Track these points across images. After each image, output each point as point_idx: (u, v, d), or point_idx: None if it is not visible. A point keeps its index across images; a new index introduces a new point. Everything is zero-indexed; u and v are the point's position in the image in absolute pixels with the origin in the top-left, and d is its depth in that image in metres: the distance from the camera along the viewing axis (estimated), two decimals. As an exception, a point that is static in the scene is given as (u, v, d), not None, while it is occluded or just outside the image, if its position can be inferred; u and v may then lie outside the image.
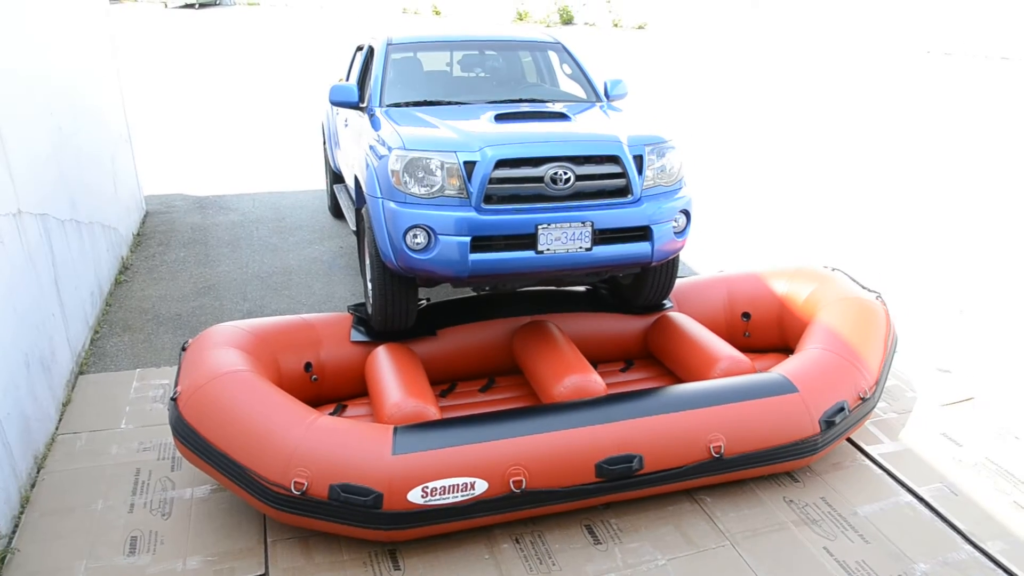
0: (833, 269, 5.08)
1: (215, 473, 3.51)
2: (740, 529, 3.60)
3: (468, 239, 3.91)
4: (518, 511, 3.49)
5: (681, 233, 4.34)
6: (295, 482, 3.28)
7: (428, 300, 4.91)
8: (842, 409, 3.85)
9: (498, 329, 4.67)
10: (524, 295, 5.02)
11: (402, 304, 4.39)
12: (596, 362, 4.81)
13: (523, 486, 3.39)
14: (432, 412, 3.77)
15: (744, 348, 4.99)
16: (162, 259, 7.14)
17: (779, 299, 4.96)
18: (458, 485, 3.32)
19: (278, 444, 3.36)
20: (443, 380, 4.63)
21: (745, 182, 9.87)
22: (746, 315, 5.00)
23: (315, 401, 4.37)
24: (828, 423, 3.81)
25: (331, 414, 4.22)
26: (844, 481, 3.92)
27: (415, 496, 3.28)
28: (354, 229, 5.59)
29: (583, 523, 3.65)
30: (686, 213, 4.33)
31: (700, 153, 11.36)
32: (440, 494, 3.31)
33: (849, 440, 4.26)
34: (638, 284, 4.81)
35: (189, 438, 3.54)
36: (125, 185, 7.55)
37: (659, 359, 4.80)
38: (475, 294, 4.96)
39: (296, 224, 8.17)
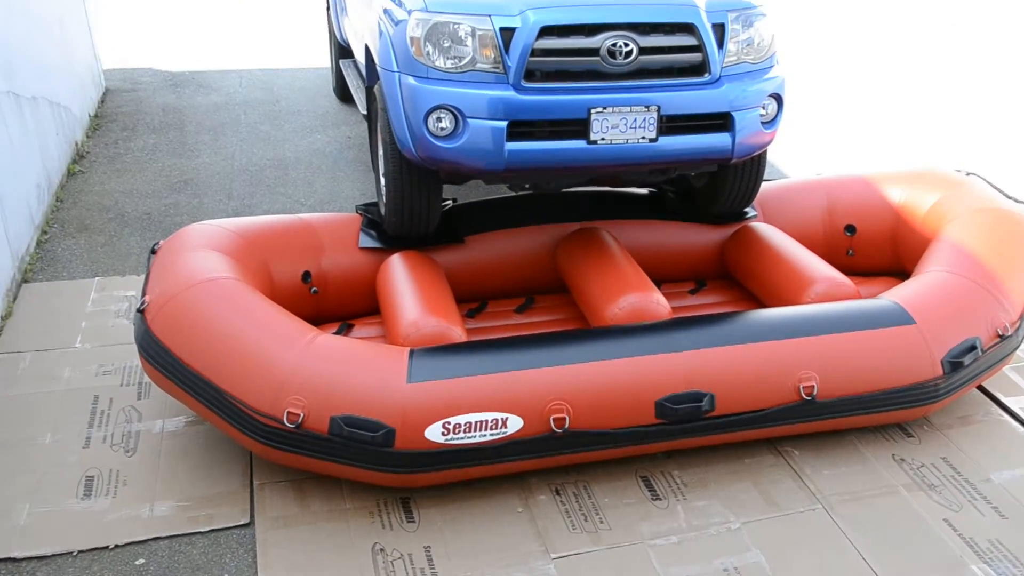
0: (968, 173, 4.99)
1: (191, 401, 3.55)
2: (836, 491, 3.60)
3: (504, 124, 3.87)
4: (559, 456, 3.52)
5: (771, 123, 4.29)
6: (288, 413, 3.31)
7: (454, 200, 4.95)
8: (973, 348, 3.80)
9: (539, 237, 4.70)
10: (572, 196, 5.01)
11: (422, 204, 4.41)
12: (659, 281, 4.81)
13: (566, 425, 3.42)
14: (457, 333, 3.80)
15: (847, 269, 4.96)
16: (127, 147, 7.16)
17: (894, 209, 4.91)
18: (486, 421, 3.35)
19: (269, 366, 3.39)
20: (471, 298, 4.69)
21: (852, 63, 9.69)
22: (850, 228, 4.95)
23: (315, 318, 4.43)
24: (954, 364, 3.76)
25: (334, 333, 4.24)
26: (974, 439, 3.88)
27: (434, 433, 3.32)
28: (364, 113, 5.57)
29: (639, 474, 3.70)
30: (777, 98, 4.27)
31: (796, 24, 11.11)
32: (464, 431, 3.34)
33: (981, 388, 4.23)
34: (714, 186, 4.79)
35: (159, 358, 3.58)
36: (78, 55, 7.47)
37: (737, 280, 4.82)
38: (512, 194, 4.93)
39: (293, 108, 8.14)
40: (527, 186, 4.47)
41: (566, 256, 4.54)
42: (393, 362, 3.45)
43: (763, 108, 4.20)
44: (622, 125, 3.93)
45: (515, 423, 3.38)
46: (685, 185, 5.09)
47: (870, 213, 4.94)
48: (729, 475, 3.69)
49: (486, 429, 3.36)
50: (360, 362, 3.44)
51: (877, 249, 4.95)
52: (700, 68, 4.03)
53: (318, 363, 3.41)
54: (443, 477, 3.47)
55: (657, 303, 3.99)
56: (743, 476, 3.68)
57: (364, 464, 3.37)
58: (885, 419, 3.85)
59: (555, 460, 3.56)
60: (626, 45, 3.88)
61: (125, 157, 6.93)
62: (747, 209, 4.98)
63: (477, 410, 3.35)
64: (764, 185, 5.13)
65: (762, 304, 4.54)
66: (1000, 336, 3.89)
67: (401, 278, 4.15)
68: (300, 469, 3.57)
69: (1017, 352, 4.32)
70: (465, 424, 3.34)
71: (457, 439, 3.34)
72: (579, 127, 3.92)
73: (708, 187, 4.85)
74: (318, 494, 3.53)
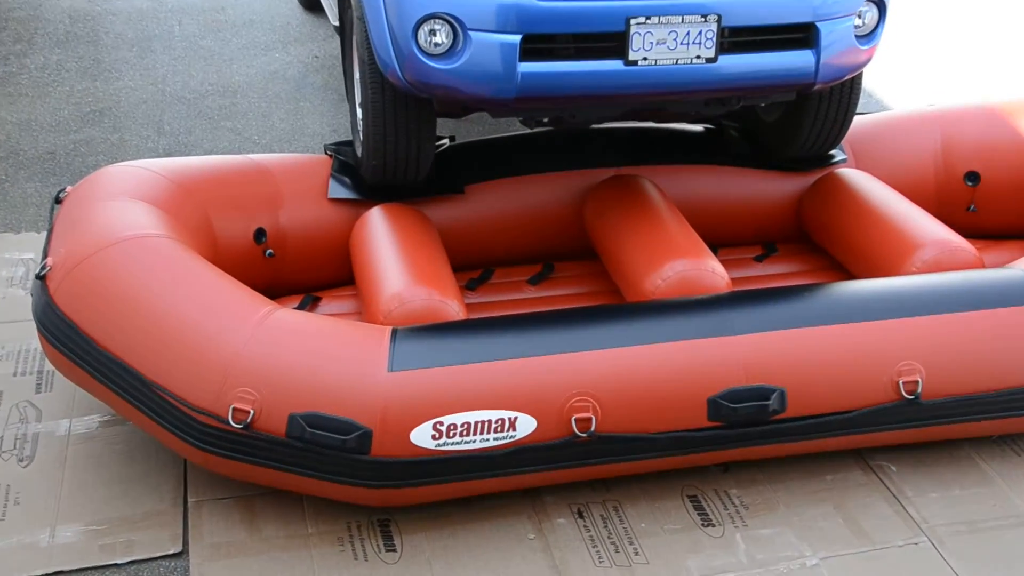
0: None
1: (106, 394, 3.57)
2: (947, 520, 3.60)
3: (517, 39, 3.86)
4: (583, 467, 3.56)
5: (868, 37, 4.29)
6: (235, 410, 3.33)
7: (452, 139, 4.98)
8: None
9: (561, 188, 4.74)
10: (604, 135, 5.04)
11: (410, 143, 4.42)
12: (717, 244, 4.81)
13: (592, 428, 3.43)
14: (454, 309, 3.83)
15: (967, 230, 4.82)
16: (21, 64, 7.16)
17: None
18: (490, 422, 3.38)
19: (209, 350, 3.42)
20: (473, 264, 4.73)
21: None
22: (972, 177, 4.95)
23: (271, 288, 4.45)
24: None
25: (296, 308, 4.30)
26: None
27: (422, 437, 3.34)
28: (336, 25, 5.58)
29: (686, 493, 3.72)
30: (879, 4, 4.26)
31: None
32: (461, 435, 3.37)
33: None
34: (791, 122, 4.80)
35: (65, 338, 3.58)
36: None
37: (818, 243, 4.85)
38: (526, 131, 4.96)
39: (245, 18, 8.17)
40: (545, 121, 4.44)
41: (596, 211, 4.56)
42: (370, 345, 3.47)
43: (858, 17, 4.18)
44: (671, 40, 3.91)
45: (527, 424, 3.40)
46: (752, 120, 5.10)
47: (999, 156, 4.93)
48: (804, 496, 3.69)
49: (489, 432, 3.37)
50: (328, 345, 3.46)
51: (1007, 204, 4.95)
52: None
53: (274, 346, 3.43)
54: (433, 493, 3.49)
55: (713, 272, 4.01)
56: (823, 497, 3.68)
57: (332, 476, 3.38)
58: (1012, 427, 3.86)
59: (578, 473, 3.59)
60: None
61: (19, 78, 6.93)
62: (833, 152, 4.98)
63: (478, 407, 3.37)
64: (857, 120, 5.07)
65: (850, 275, 4.54)
66: None
67: (382, 238, 4.18)
68: (249, 482, 3.59)
69: None
70: (462, 425, 3.35)
71: (452, 444, 3.36)
72: (614, 43, 3.91)
73: (782, 123, 4.85)
74: (272, 515, 3.55)
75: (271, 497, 3.64)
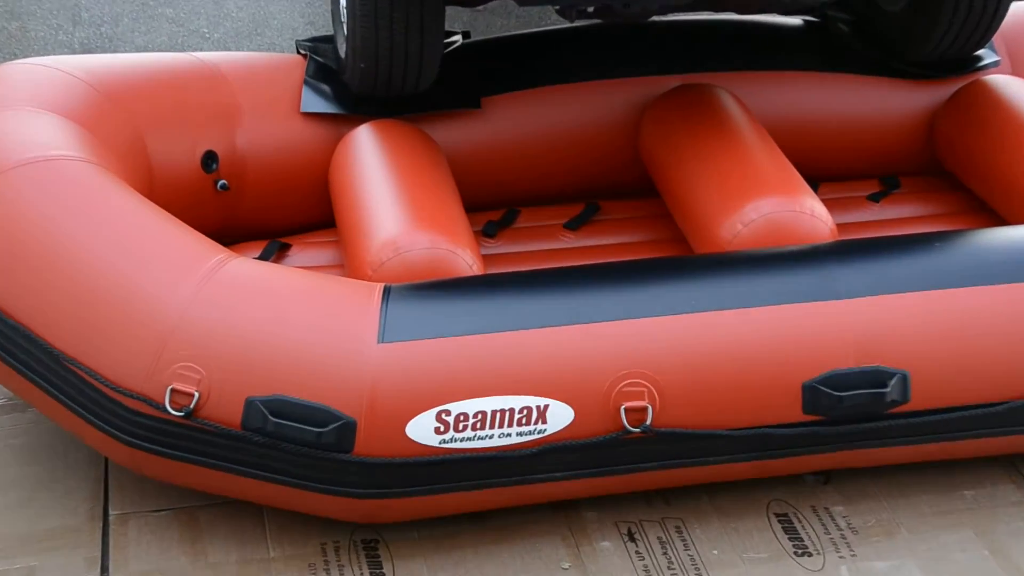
0: None
1: (4, 372, 3.55)
2: None
3: None
4: (634, 474, 3.53)
5: None
6: (174, 392, 3.28)
7: (466, 35, 5.00)
8: None
9: (609, 100, 4.75)
10: (667, 31, 5.04)
11: (410, 39, 4.38)
12: (818, 178, 4.76)
13: (647, 421, 3.37)
14: (466, 261, 3.80)
15: None
16: None
17: None
18: (512, 412, 3.32)
19: (140, 312, 3.38)
20: (492, 203, 4.73)
21: None
22: None
23: (225, 232, 4.43)
24: None
25: (258, 258, 4.27)
26: None
27: (422, 430, 3.29)
28: None
29: (772, 510, 3.69)
30: None
31: None
32: (474, 427, 3.31)
33: None
34: (923, 10, 4.74)
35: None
36: None
37: (958, 175, 4.83)
38: (564, 24, 4.90)
39: None
40: (589, 10, 4.36)
41: (655, 133, 4.55)
42: (355, 307, 3.43)
43: None
44: None
45: (560, 415, 3.34)
46: (869, 10, 5.07)
47: None
48: (935, 518, 3.64)
49: (511, 425, 3.32)
50: (298, 307, 3.43)
51: None
52: None
53: (226, 308, 3.39)
54: (436, 506, 3.48)
55: (812, 215, 3.96)
56: (960, 520, 3.63)
57: (302, 481, 3.35)
58: None
59: (628, 481, 3.56)
60: None
61: None
62: (981, 52, 4.94)
63: (497, 392, 3.32)
64: (1015, 8, 5.01)
65: (1000, 220, 4.49)
66: None
67: (372, 167, 4.18)
68: (191, 489, 3.56)
69: None
70: (476, 415, 3.30)
71: (461, 441, 3.30)
72: None
73: (911, 12, 4.80)
74: (222, 534, 3.52)
75: (221, 510, 3.60)
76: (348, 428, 3.27)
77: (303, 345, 3.34)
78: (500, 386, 3.34)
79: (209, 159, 4.38)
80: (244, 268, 3.53)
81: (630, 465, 3.49)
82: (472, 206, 4.48)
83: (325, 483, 3.35)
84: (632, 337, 3.45)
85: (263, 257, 4.29)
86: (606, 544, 3.55)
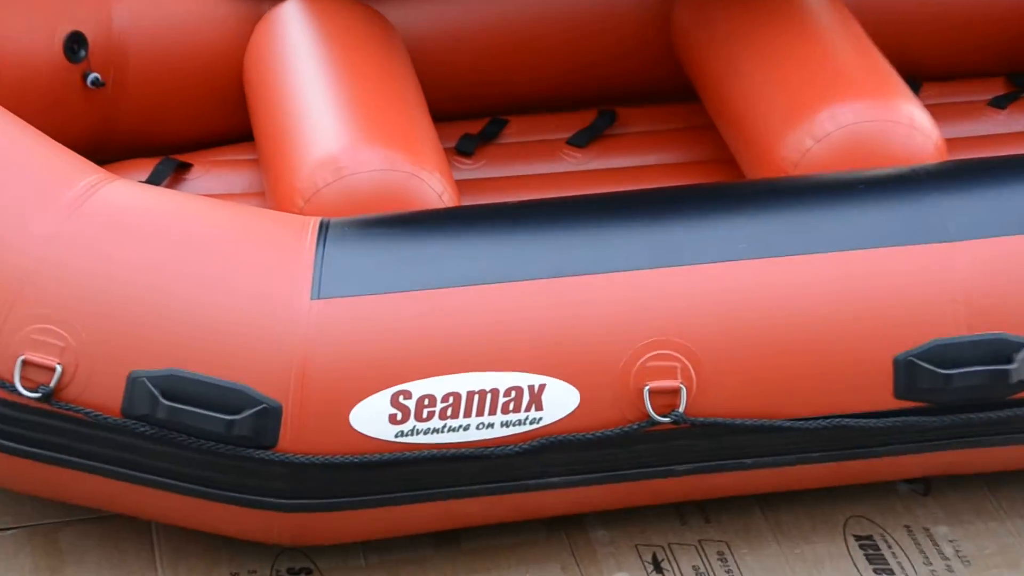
0: None
1: None
2: None
3: None
4: (664, 479, 3.34)
5: None
6: (26, 364, 3.08)
7: None
8: None
9: None
10: None
11: None
12: (919, 76, 4.68)
13: (680, 407, 3.16)
14: (433, 187, 3.59)
15: None
16: None
17: None
18: (496, 394, 3.14)
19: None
20: (470, 109, 4.60)
21: None
22: None
23: (99, 144, 4.28)
24: None
25: (145, 181, 4.05)
26: None
27: (372, 418, 3.11)
28: None
29: (850, 530, 3.54)
30: None
31: None
32: (443, 414, 3.12)
33: None
34: None
35: None
36: None
37: None
38: None
39: None
40: None
41: (697, 13, 4.40)
42: (280, 250, 3.23)
43: None
44: None
45: (561, 399, 3.14)
46: None
47: None
48: None
49: (494, 411, 3.13)
50: (201, 249, 3.23)
51: None
52: None
53: (100, 250, 3.18)
54: (390, 523, 3.30)
55: (911, 126, 3.73)
56: None
57: (206, 489, 3.16)
58: None
59: (652, 489, 3.35)
60: None
61: None
62: None
63: (473, 366, 3.12)
64: None
65: None
66: None
67: (304, 59, 4.03)
68: (50, 500, 3.39)
69: None
70: (446, 398, 3.10)
71: (425, 433, 3.11)
72: None
73: None
74: (92, 559, 3.37)
75: (92, 528, 3.45)
76: (270, 415, 3.09)
77: (207, 301, 3.17)
78: (479, 359, 3.15)
79: (75, 43, 4.16)
80: (125, 195, 3.33)
81: (656, 468, 3.29)
82: (442, 114, 4.34)
83: (238, 491, 3.18)
84: (660, 293, 3.24)
85: (153, 181, 4.13)
86: (622, 575, 3.42)
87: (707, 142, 4.46)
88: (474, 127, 4.59)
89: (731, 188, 3.69)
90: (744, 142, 4.08)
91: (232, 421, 3.13)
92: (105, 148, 4.31)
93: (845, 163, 3.78)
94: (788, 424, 3.32)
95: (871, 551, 3.52)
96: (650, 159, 4.50)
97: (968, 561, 3.49)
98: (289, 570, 3.45)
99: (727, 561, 3.49)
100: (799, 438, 3.37)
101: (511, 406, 3.21)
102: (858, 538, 3.55)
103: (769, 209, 3.55)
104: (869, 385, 3.32)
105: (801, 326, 3.36)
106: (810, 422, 3.33)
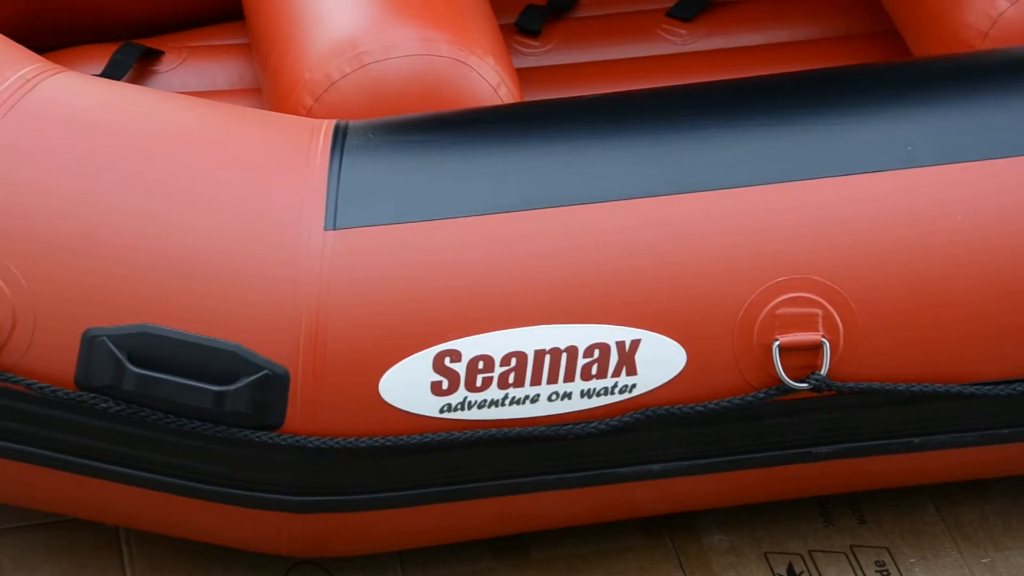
0: None
1: None
2: None
3: None
4: (799, 464, 3.01)
5: None
6: None
7: None
8: None
9: None
10: None
11: None
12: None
13: (823, 369, 2.78)
14: (487, 77, 3.25)
15: None
16: None
17: None
18: (574, 352, 2.78)
19: None
20: None
21: None
22: None
23: (39, 27, 4.02)
24: None
25: (101, 74, 3.70)
26: None
27: (408, 387, 2.77)
28: None
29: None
30: None
31: None
32: (504, 382, 2.77)
33: None
34: None
35: None
36: None
37: None
38: None
39: None
40: None
41: None
42: (282, 165, 2.86)
43: None
44: None
45: (662, 359, 2.76)
46: None
47: None
48: None
49: (571, 377, 2.78)
50: (178, 162, 2.88)
51: None
52: None
53: (42, 165, 2.86)
54: (433, 525, 2.98)
55: None
56: None
57: (191, 484, 2.85)
58: None
59: (784, 479, 3.00)
60: None
61: None
62: None
63: (543, 318, 2.76)
64: None
65: None
66: None
67: None
68: None
69: None
70: (506, 361, 2.75)
71: (480, 407, 2.78)
72: None
73: None
74: (45, 574, 3.14)
75: (43, 535, 3.25)
76: (274, 385, 2.73)
77: (188, 232, 2.80)
78: (551, 307, 2.77)
79: None
80: (71, 91, 2.99)
81: (790, 451, 2.92)
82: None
83: (233, 486, 2.86)
84: (794, 215, 2.84)
85: (111, 73, 3.81)
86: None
87: (857, 9, 4.15)
88: None
89: (892, 70, 3.30)
90: (910, 8, 3.69)
91: (223, 394, 2.77)
92: (46, 30, 4.07)
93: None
94: (972, 390, 2.94)
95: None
96: (779, 35, 4.12)
97: None
98: (293, 596, 2.92)
99: (889, 573, 3.21)
100: (987, 409, 3.01)
101: (594, 369, 2.84)
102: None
103: (947, 99, 3.13)
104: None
105: (992, 259, 2.94)
106: (1003, 386, 2.96)
